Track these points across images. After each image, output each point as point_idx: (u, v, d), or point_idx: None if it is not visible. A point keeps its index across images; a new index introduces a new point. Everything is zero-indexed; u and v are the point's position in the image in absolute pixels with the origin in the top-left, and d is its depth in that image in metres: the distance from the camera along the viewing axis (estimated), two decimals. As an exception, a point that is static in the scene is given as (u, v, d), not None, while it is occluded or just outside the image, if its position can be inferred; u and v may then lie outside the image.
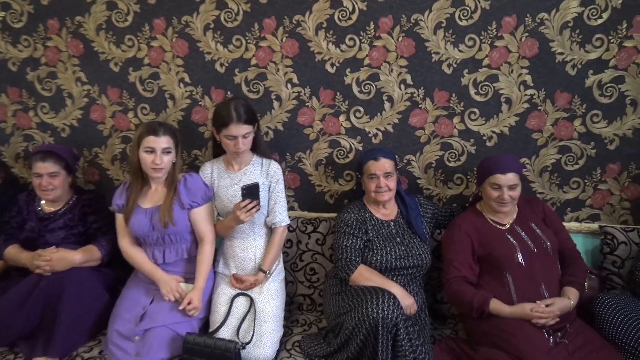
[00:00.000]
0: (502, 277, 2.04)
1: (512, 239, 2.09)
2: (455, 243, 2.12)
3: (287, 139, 2.47)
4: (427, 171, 2.46)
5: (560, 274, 2.08)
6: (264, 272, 2.20)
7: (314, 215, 2.53)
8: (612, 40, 2.20)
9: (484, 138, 2.38)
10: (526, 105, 2.32)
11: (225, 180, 2.24)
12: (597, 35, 2.21)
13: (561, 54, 2.24)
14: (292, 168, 2.51)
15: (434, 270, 2.34)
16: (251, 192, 2.03)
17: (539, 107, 2.31)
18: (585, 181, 2.38)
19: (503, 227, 2.14)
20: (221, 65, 2.40)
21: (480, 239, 2.11)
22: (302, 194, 2.55)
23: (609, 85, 2.25)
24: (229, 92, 2.43)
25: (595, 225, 2.40)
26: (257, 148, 2.24)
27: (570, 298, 1.98)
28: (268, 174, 2.23)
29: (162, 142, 2.08)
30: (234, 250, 2.26)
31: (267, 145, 2.44)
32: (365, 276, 2.12)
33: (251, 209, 2.04)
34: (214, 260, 2.29)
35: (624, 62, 2.22)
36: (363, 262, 2.17)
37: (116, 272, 2.30)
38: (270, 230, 2.29)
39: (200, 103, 2.47)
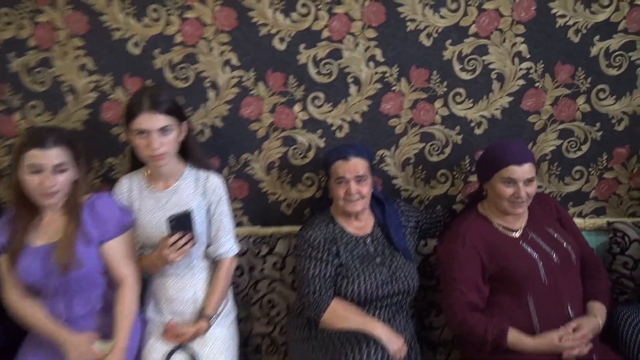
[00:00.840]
0: (520, 299, 1.63)
1: (529, 249, 1.67)
2: (459, 260, 1.68)
3: (229, 138, 1.93)
4: (404, 168, 2.00)
5: (582, 288, 1.69)
6: (208, 317, 1.68)
7: (269, 231, 2.02)
8: (621, -2, 1.80)
9: (472, 125, 1.94)
10: (521, 82, 1.90)
11: (148, 201, 1.67)
12: (604, -7, 1.80)
13: (563, 16, 1.83)
14: (238, 174, 1.98)
15: (419, 290, 1.90)
16: (182, 223, 1.50)
17: (537, 84, 1.90)
18: (590, 170, 2.01)
19: (515, 234, 1.72)
20: (135, 45, 1.81)
21: (490, 252, 1.68)
22: (252, 205, 2.03)
23: (617, 53, 1.86)
24: (149, 81, 1.85)
25: (601, 221, 2.04)
26: (190, 155, 1.69)
27: (597, 315, 1.61)
28: (206, 192, 1.68)
29: (52, 156, 1.49)
30: (166, 290, 1.72)
31: (204, 148, 1.89)
32: (340, 316, 1.64)
33: (183, 245, 1.51)
34: (141, 303, 1.75)
35: (635, 24, 1.84)
36: (336, 293, 1.70)
37: (7, 334, 1.70)
38: (214, 262, 1.76)
39: (110, 96, 1.87)
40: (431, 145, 1.97)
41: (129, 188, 1.69)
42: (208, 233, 1.72)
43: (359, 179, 1.71)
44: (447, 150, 1.98)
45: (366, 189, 1.73)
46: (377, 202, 1.85)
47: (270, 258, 1.94)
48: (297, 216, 2.04)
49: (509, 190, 1.66)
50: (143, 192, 1.68)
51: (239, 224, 2.05)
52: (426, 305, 1.98)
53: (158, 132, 1.52)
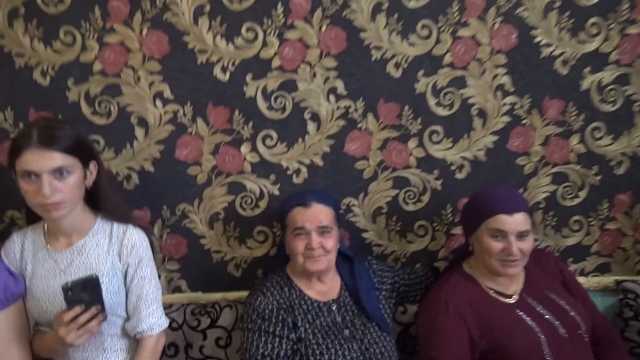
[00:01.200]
0: None
1: (528, 320, 1.34)
2: (441, 332, 1.34)
3: (162, 185, 1.60)
4: (375, 219, 1.68)
5: (595, 369, 1.35)
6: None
7: (213, 297, 1.65)
8: (611, 26, 1.59)
9: (453, 168, 1.66)
10: (506, 119, 1.64)
11: (44, 264, 1.31)
12: (592, 20, 1.59)
13: (547, 45, 1.60)
14: (174, 228, 1.63)
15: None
16: (84, 292, 1.14)
17: (524, 121, 1.64)
18: (590, 220, 1.73)
19: (509, 300, 1.39)
20: (43, 73, 1.50)
21: (480, 323, 1.35)
22: (191, 266, 1.67)
23: (611, 87, 1.64)
24: (60, 116, 1.52)
25: (607, 279, 1.74)
26: (102, 204, 1.34)
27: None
28: (123, 251, 1.33)
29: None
30: (68, 381, 1.32)
31: (131, 197, 1.56)
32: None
33: (87, 322, 1.14)
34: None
35: (628, 55, 1.62)
36: (292, 380, 1.33)
37: None
38: (135, 341, 1.37)
39: (11, 134, 1.53)
40: (406, 192, 1.67)
41: (22, 246, 1.33)
42: (126, 304, 1.35)
43: (322, 231, 1.40)
44: (425, 198, 1.68)
45: (331, 242, 1.41)
46: (345, 260, 1.52)
47: (213, 332, 1.56)
48: (248, 279, 1.68)
49: (497, 245, 1.36)
50: (39, 253, 1.31)
51: (175, 290, 1.68)
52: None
53: (51, 174, 1.18)
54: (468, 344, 1.33)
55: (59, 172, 1.19)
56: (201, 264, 1.67)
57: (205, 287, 1.69)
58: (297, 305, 1.40)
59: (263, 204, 1.64)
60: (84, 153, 1.25)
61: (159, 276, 1.62)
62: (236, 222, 1.65)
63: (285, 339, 1.34)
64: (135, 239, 1.34)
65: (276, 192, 1.64)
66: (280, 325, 1.35)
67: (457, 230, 1.70)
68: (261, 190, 1.63)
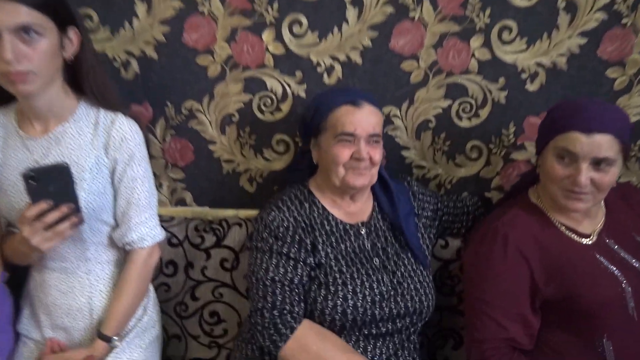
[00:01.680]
0: (592, 341, 1.05)
1: (610, 265, 1.07)
2: (496, 275, 1.09)
3: (167, 76, 1.32)
4: (419, 135, 1.39)
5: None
6: (107, 339, 1.09)
7: (220, 214, 1.42)
8: None
9: (524, 76, 1.33)
10: (602, 16, 1.28)
11: (16, 153, 1.07)
12: None
13: None
14: (179, 130, 1.38)
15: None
16: (53, 183, 0.91)
17: (624, 20, 1.28)
18: (688, 153, 1.39)
19: (586, 241, 1.11)
20: None
21: (547, 265, 1.08)
22: (198, 175, 1.43)
23: None
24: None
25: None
26: (85, 84, 1.07)
27: None
28: (109, 144, 1.08)
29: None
30: (47, 294, 1.12)
31: (129, 90, 1.29)
32: (312, 350, 1.04)
33: (57, 222, 0.92)
34: (16, 311, 1.16)
35: None
36: (308, 312, 1.10)
37: None
38: (123, 253, 1.16)
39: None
40: (461, 104, 1.35)
41: (-9, 130, 1.09)
42: (114, 209, 1.12)
43: (372, 139, 1.13)
44: (484, 113, 1.36)
45: (379, 154, 1.15)
46: (379, 181, 1.24)
47: (218, 252, 1.34)
48: (263, 195, 1.43)
49: (561, 170, 1.06)
50: (10, 139, 1.08)
51: (179, 202, 1.44)
52: (440, 333, 1.37)
53: (14, 33, 0.91)
54: (529, 290, 1.07)
55: (24, 32, 0.92)
56: (209, 174, 1.42)
57: (213, 202, 1.45)
58: (319, 225, 1.15)
59: (285, 107, 1.36)
60: (60, 14, 0.97)
61: (161, 185, 1.39)
62: (252, 127, 1.38)
63: (301, 262, 1.10)
64: (126, 130, 1.09)
65: (302, 94, 1.34)
66: (296, 246, 1.11)
67: (519, 156, 1.40)
68: (284, 90, 1.34)
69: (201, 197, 1.45)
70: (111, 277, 1.15)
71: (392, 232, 1.21)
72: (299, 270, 1.10)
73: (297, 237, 1.12)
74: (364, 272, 1.12)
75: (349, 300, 1.07)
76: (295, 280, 1.08)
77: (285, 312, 1.05)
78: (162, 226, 1.28)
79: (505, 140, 1.39)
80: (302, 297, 1.09)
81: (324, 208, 1.18)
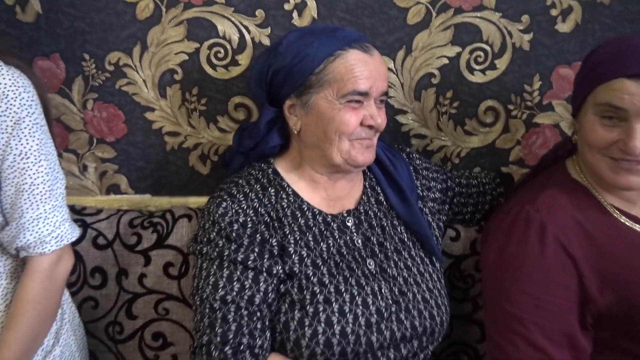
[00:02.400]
0: None
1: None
2: (528, 275, 0.79)
3: (82, 18, 0.99)
4: (420, 95, 1.08)
5: None
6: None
7: (165, 203, 1.10)
8: None
9: (553, 12, 1.03)
10: None
11: None
12: None
13: None
14: (104, 93, 1.04)
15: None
16: None
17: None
18: None
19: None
20: None
21: (600, 265, 0.79)
22: (133, 154, 1.10)
23: None
24: None
25: None
26: None
27: None
28: None
29: None
30: None
31: (18, 38, 0.95)
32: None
33: None
34: None
35: None
36: (278, 344, 0.78)
37: None
38: (17, 263, 0.82)
39: None
40: (473, 51, 1.05)
41: None
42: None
43: (382, 97, 0.84)
44: (502, 63, 1.06)
45: (385, 119, 0.85)
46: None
47: (160, 255, 1.01)
48: (220, 178, 1.10)
49: (605, 134, 0.78)
50: None
51: (110, 190, 1.11)
52: (451, 349, 1.07)
53: None
54: (577, 300, 0.78)
55: None
56: (148, 151, 1.09)
57: (155, 188, 1.12)
58: (290, 219, 0.83)
59: (244, 59, 1.03)
60: None
61: (85, 167, 1.05)
62: (201, 87, 1.04)
63: (264, 273, 0.78)
64: (8, 85, 0.75)
65: (265, 41, 1.02)
66: (257, 250, 0.79)
67: (546, 119, 1.10)
68: (241, 36, 1.01)
69: (139, 182, 1.12)
70: (3, 296, 0.82)
71: (390, 220, 0.90)
72: (262, 285, 0.78)
73: (257, 236, 0.80)
74: (354, 282, 0.80)
75: (335, 325, 0.76)
76: (257, 300, 0.76)
77: (242, 347, 0.73)
78: (85, 222, 0.96)
79: (529, 99, 1.09)
80: (266, 324, 0.77)
81: (295, 194, 0.86)
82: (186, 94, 1.05)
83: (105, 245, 1.01)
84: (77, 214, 1.02)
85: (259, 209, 0.82)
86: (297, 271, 0.80)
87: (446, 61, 1.05)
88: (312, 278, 0.79)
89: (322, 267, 0.81)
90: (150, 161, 1.10)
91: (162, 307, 1.02)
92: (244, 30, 1.01)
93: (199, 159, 1.10)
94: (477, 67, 1.06)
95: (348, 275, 0.81)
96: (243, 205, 0.81)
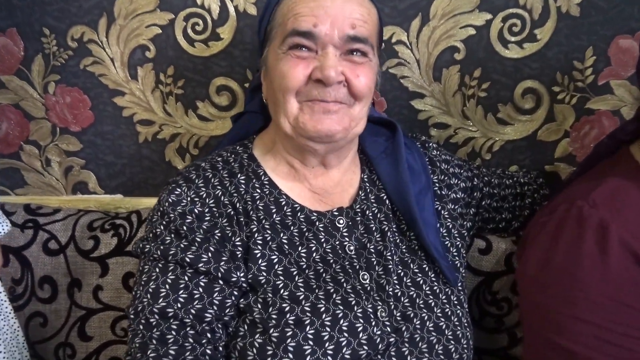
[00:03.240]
0: None
1: None
2: (591, 298, 0.57)
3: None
4: (440, 74, 0.88)
5: None
6: None
7: (140, 204, 0.94)
8: None
9: (611, -33, 0.81)
10: None
11: None
12: None
13: None
14: (67, 74, 0.91)
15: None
16: None
17: None
18: None
19: None
20: None
21: None
22: (101, 147, 0.95)
23: None
24: None
25: None
26: None
27: None
28: None
29: None
30: None
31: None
32: None
33: None
34: None
35: None
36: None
37: None
38: None
39: None
40: (506, 18, 0.84)
41: None
42: None
43: (352, 47, 0.63)
44: (544, 34, 0.85)
45: (365, 78, 0.63)
46: (376, 135, 0.73)
47: (120, 264, 0.84)
48: (200, 176, 0.93)
49: None
50: None
51: (77, 188, 0.97)
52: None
53: None
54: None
55: None
56: (119, 143, 0.93)
57: (127, 187, 0.96)
58: (262, 212, 0.65)
59: (226, 32, 0.86)
60: None
61: (48, 162, 0.91)
62: (178, 66, 0.89)
63: (221, 280, 0.59)
64: None
65: (251, 10, 0.85)
66: (213, 249, 0.60)
67: (601, 104, 0.88)
68: (223, 4, 0.85)
69: (109, 180, 0.96)
70: None
71: (396, 223, 0.69)
72: (217, 296, 0.59)
73: (217, 232, 0.61)
74: (339, 300, 0.60)
75: (308, 357, 0.56)
76: (208, 316, 0.58)
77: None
78: (37, 223, 0.82)
79: (579, 78, 0.87)
80: (219, 350, 0.58)
81: (272, 184, 0.67)
82: (160, 75, 0.89)
83: (57, 251, 0.85)
84: (30, 213, 0.87)
85: (222, 199, 0.64)
86: (263, 281, 0.60)
87: (473, 32, 0.85)
88: (281, 291, 0.60)
89: (296, 278, 0.61)
90: (121, 155, 0.94)
91: (120, 327, 0.84)
92: (227, 2, 0.85)
93: (177, 152, 0.94)
94: (513, 39, 0.85)
95: (332, 291, 0.61)
96: (202, 193, 0.63)
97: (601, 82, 0.86)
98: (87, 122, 0.92)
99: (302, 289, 0.60)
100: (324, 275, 0.62)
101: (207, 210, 0.62)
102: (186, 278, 0.59)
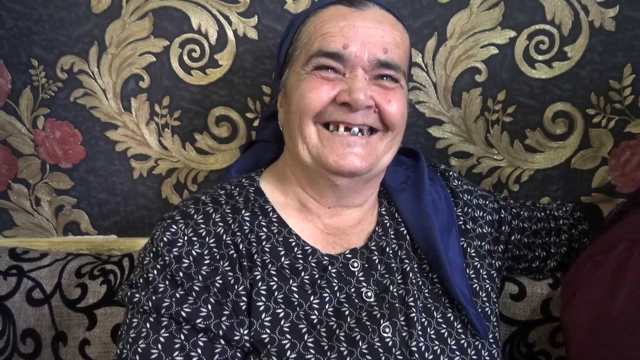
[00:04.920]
0: None
1: None
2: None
3: (28, 14, 0.80)
4: (460, 98, 0.80)
5: None
6: None
7: (136, 245, 0.86)
8: None
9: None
10: None
11: None
12: None
13: None
14: (57, 107, 0.85)
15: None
16: None
17: None
18: None
19: None
20: None
21: None
22: (94, 184, 0.88)
23: None
24: None
25: None
26: None
27: None
28: None
29: None
30: None
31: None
32: None
33: None
34: None
35: None
36: None
37: None
38: None
39: None
40: (531, 35, 0.76)
41: None
42: None
43: (383, 73, 0.57)
44: (576, 51, 0.77)
45: (397, 103, 0.57)
46: (395, 162, 0.66)
47: (110, 315, 0.76)
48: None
49: None
50: None
51: (69, 229, 0.90)
52: None
53: None
54: None
55: None
56: (112, 180, 0.87)
57: (121, 227, 0.89)
58: (268, 256, 0.57)
59: (225, 58, 0.80)
60: None
61: (38, 201, 0.85)
62: (174, 96, 0.82)
63: (221, 340, 0.52)
64: None
65: (252, 34, 0.78)
66: (213, 301, 0.53)
67: (642, 127, 0.78)
68: (221, 29, 0.79)
69: (103, 220, 0.89)
70: None
71: (418, 262, 0.61)
72: (218, 358, 0.51)
73: (217, 279, 0.54)
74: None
75: None
76: None
77: None
78: (22, 270, 0.76)
79: (617, 99, 0.78)
80: None
81: (280, 222, 0.59)
82: (155, 106, 0.83)
83: (42, 301, 0.77)
84: (15, 258, 0.80)
85: (224, 238, 0.56)
86: (267, 340, 0.52)
87: (495, 51, 0.77)
88: (288, 353, 0.51)
89: (306, 337, 0.53)
90: (115, 193, 0.87)
91: (109, 386, 0.75)
92: (223, 22, 0.78)
93: (174, 188, 0.86)
94: (540, 58, 0.77)
95: (345, 353, 0.52)
96: (201, 231, 0.55)
97: (642, 103, 0.77)
98: (78, 158, 0.86)
99: (312, 351, 0.51)
100: (337, 332, 0.54)
101: (206, 251, 0.54)
102: (182, 337, 0.50)
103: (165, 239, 0.54)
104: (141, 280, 0.54)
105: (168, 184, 0.86)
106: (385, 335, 0.55)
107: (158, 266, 0.54)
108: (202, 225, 0.56)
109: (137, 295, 0.53)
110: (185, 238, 0.55)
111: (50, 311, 0.77)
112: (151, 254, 0.55)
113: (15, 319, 0.77)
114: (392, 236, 0.61)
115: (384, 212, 0.63)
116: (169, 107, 0.82)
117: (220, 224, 0.57)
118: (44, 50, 0.81)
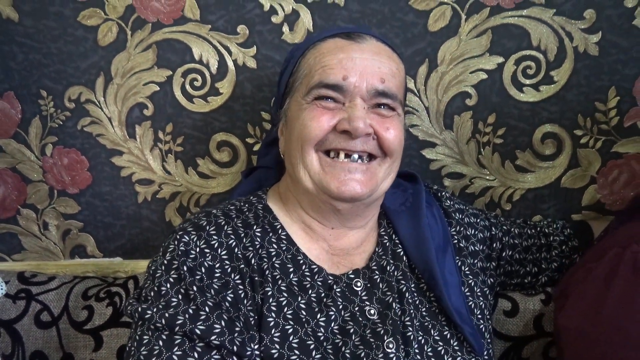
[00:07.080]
0: None
1: None
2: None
3: (37, 47, 0.84)
4: (452, 121, 0.83)
5: None
6: None
7: (140, 267, 0.88)
8: None
9: (629, 1, 0.76)
10: None
11: None
12: None
13: None
14: (64, 135, 0.88)
15: None
16: None
17: None
18: None
19: None
20: None
21: None
22: (99, 208, 0.91)
23: None
24: None
25: None
26: None
27: None
28: None
29: None
30: None
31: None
32: None
33: None
34: None
35: None
36: None
37: None
38: None
39: None
40: (519, 60, 0.80)
41: None
42: None
43: (381, 101, 0.60)
44: (562, 75, 0.80)
45: (394, 131, 0.60)
46: (393, 185, 0.68)
47: (115, 336, 0.78)
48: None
49: None
50: None
51: (75, 252, 0.93)
52: None
53: None
54: None
55: None
56: (117, 204, 0.89)
57: (126, 250, 0.91)
58: (278, 272, 0.59)
59: (226, 87, 0.83)
60: None
61: (45, 225, 0.88)
62: (177, 123, 0.85)
63: (234, 357, 0.53)
64: None
65: (251, 63, 0.82)
66: (226, 317, 0.55)
67: (630, 147, 0.81)
68: (221, 59, 0.82)
69: (108, 243, 0.92)
70: None
71: (415, 282, 0.63)
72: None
73: (229, 294, 0.56)
74: None
75: None
76: None
77: None
78: (30, 293, 0.78)
79: (603, 120, 0.81)
80: None
81: (289, 240, 0.62)
82: (159, 133, 0.86)
83: (50, 323, 0.79)
84: (23, 282, 0.83)
85: (236, 251, 0.58)
86: (276, 355, 0.54)
87: (484, 76, 0.80)
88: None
89: (314, 353, 0.55)
90: (120, 216, 0.90)
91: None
92: (224, 52, 0.82)
93: (177, 212, 0.89)
94: (528, 82, 0.80)
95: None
96: (213, 242, 0.58)
97: (628, 124, 0.80)
98: (84, 184, 0.89)
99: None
100: (342, 349, 0.56)
101: (217, 264, 0.56)
102: (196, 355, 0.52)
103: (178, 252, 0.56)
104: (152, 294, 0.55)
105: (172, 208, 0.89)
106: (389, 351, 0.57)
107: (171, 279, 0.55)
108: (215, 237, 0.58)
109: (148, 311, 0.54)
110: (198, 250, 0.56)
111: (57, 333, 0.79)
112: (163, 267, 0.56)
113: (24, 341, 0.79)
114: (390, 256, 0.64)
115: (383, 233, 0.66)
116: (172, 133, 0.86)
117: (232, 236, 0.59)
118: (52, 82, 0.84)
